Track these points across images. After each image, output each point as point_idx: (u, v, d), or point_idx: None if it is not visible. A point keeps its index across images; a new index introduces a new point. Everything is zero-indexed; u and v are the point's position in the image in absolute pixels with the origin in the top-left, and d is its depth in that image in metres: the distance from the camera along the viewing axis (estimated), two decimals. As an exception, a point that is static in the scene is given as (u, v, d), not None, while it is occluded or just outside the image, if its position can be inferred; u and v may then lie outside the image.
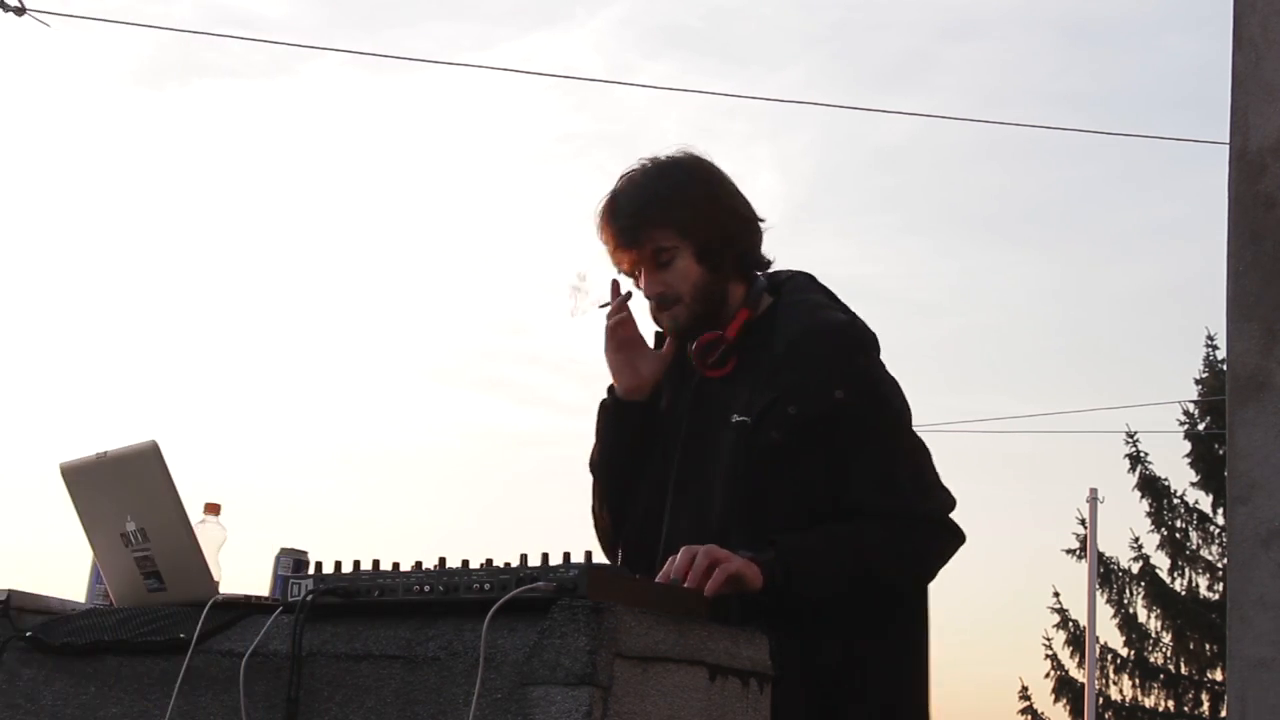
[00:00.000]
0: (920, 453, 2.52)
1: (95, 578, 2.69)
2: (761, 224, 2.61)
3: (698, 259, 2.52)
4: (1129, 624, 21.01)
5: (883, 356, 2.56)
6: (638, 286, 2.60)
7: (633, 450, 2.63)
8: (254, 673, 2.15)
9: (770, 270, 2.65)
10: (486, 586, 2.03)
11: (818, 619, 2.36)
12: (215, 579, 2.41)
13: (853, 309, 2.59)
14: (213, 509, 2.66)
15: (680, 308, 2.54)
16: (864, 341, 2.53)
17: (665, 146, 2.60)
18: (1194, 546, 20.98)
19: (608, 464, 2.67)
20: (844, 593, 2.38)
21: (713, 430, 2.52)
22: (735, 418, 2.48)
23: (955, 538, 2.50)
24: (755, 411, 2.46)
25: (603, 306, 2.63)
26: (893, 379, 2.54)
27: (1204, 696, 20.48)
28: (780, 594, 2.31)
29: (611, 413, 2.66)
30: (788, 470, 2.42)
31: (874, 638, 2.44)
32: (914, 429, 2.55)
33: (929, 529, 2.47)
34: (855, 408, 2.43)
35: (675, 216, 2.51)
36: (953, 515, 2.51)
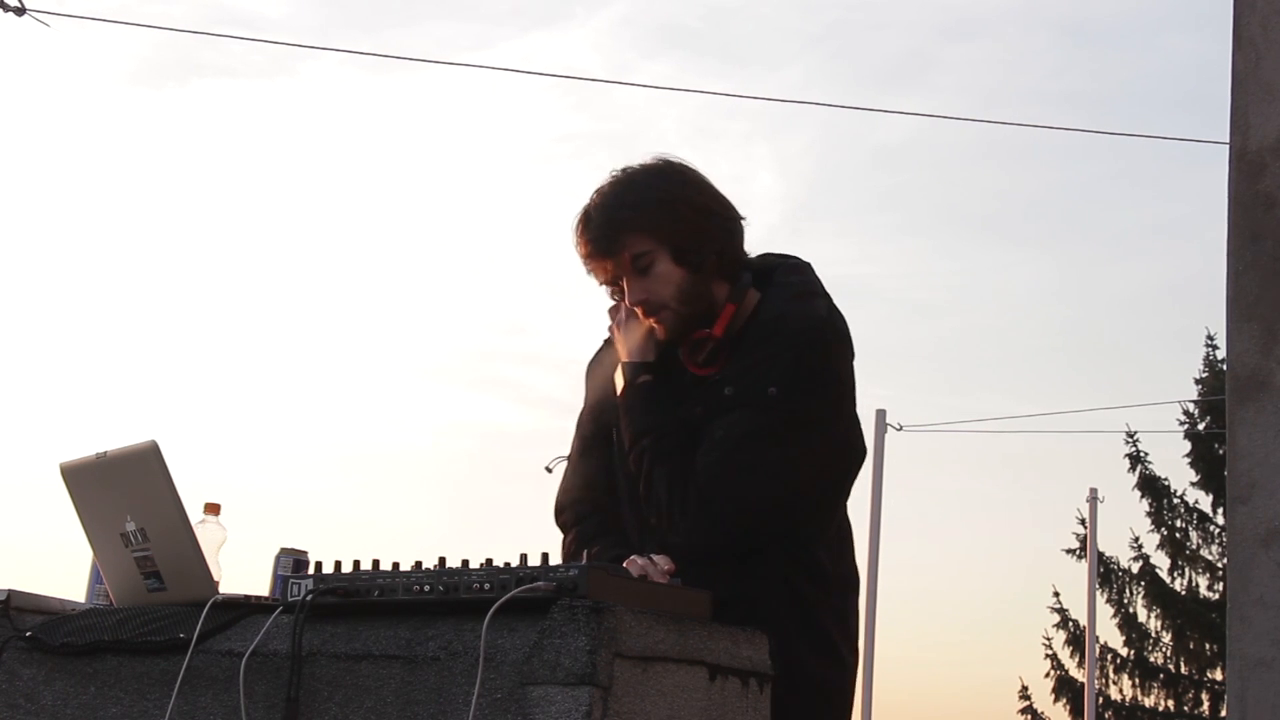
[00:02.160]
0: (787, 444, 2.44)
1: (95, 578, 2.69)
2: (742, 221, 2.61)
3: (676, 261, 2.52)
4: (1129, 624, 21.00)
5: (857, 357, 2.57)
6: (613, 294, 2.60)
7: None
8: (254, 673, 2.15)
9: (762, 253, 2.65)
10: (486, 586, 2.03)
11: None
12: (215, 579, 2.41)
13: (835, 303, 2.59)
14: (213, 509, 2.66)
15: (666, 313, 2.54)
16: (824, 341, 2.51)
17: (638, 156, 2.62)
18: (1194, 546, 20.97)
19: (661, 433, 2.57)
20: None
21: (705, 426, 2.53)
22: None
23: (736, 527, 2.46)
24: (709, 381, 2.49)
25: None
26: (836, 379, 2.51)
27: (1204, 696, 20.47)
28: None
29: (652, 385, 2.57)
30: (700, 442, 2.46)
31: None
32: (818, 437, 2.48)
33: (711, 511, 2.43)
34: (780, 404, 2.44)
35: (647, 221, 2.51)
36: (760, 512, 2.44)
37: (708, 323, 2.56)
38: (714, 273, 2.56)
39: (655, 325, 2.57)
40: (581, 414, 2.75)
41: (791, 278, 2.58)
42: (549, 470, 2.72)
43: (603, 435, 2.66)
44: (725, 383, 2.47)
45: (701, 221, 2.55)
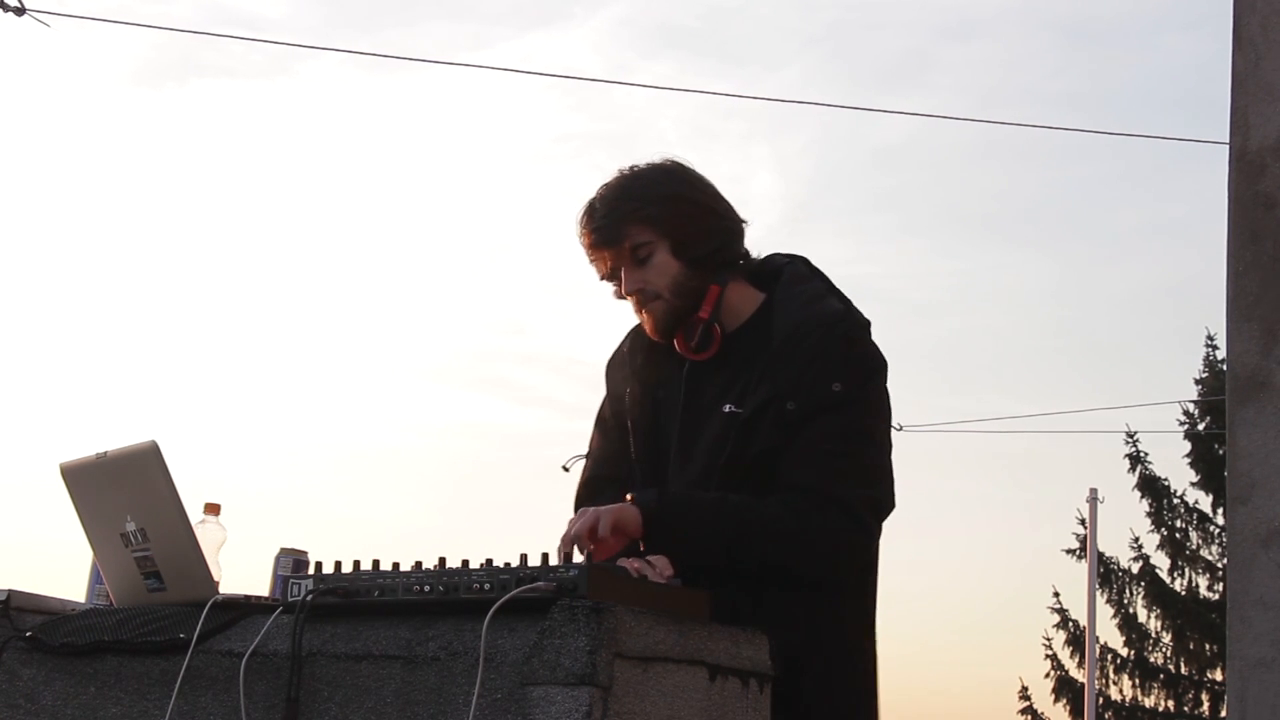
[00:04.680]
0: (873, 443, 2.51)
1: (95, 578, 2.69)
2: (743, 224, 2.65)
3: (674, 254, 2.56)
4: (1129, 624, 21.01)
5: (880, 351, 2.58)
6: (617, 292, 2.62)
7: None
8: (254, 673, 2.15)
9: (766, 255, 2.68)
10: (486, 586, 2.03)
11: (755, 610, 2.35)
12: (215, 579, 2.41)
13: (847, 297, 2.62)
14: (213, 509, 2.66)
15: (659, 303, 2.57)
16: (859, 331, 2.56)
17: (643, 156, 2.65)
18: (1194, 546, 20.98)
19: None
20: (720, 554, 2.37)
21: (705, 418, 2.56)
22: (727, 408, 2.52)
23: (862, 533, 2.44)
24: (751, 405, 2.49)
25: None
26: (883, 364, 2.56)
27: (1204, 696, 20.48)
28: (658, 539, 2.36)
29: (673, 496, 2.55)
30: (777, 464, 2.46)
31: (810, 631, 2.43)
32: (887, 422, 2.57)
33: (835, 514, 2.40)
34: (850, 398, 2.46)
35: (650, 213, 2.55)
36: (875, 515, 2.46)
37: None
38: (711, 270, 2.58)
39: (645, 317, 2.60)
40: (602, 411, 2.78)
41: (800, 287, 2.61)
42: (566, 469, 2.75)
43: (621, 430, 2.69)
44: (783, 399, 2.46)
45: (702, 219, 2.59)
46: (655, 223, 2.55)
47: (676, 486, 2.54)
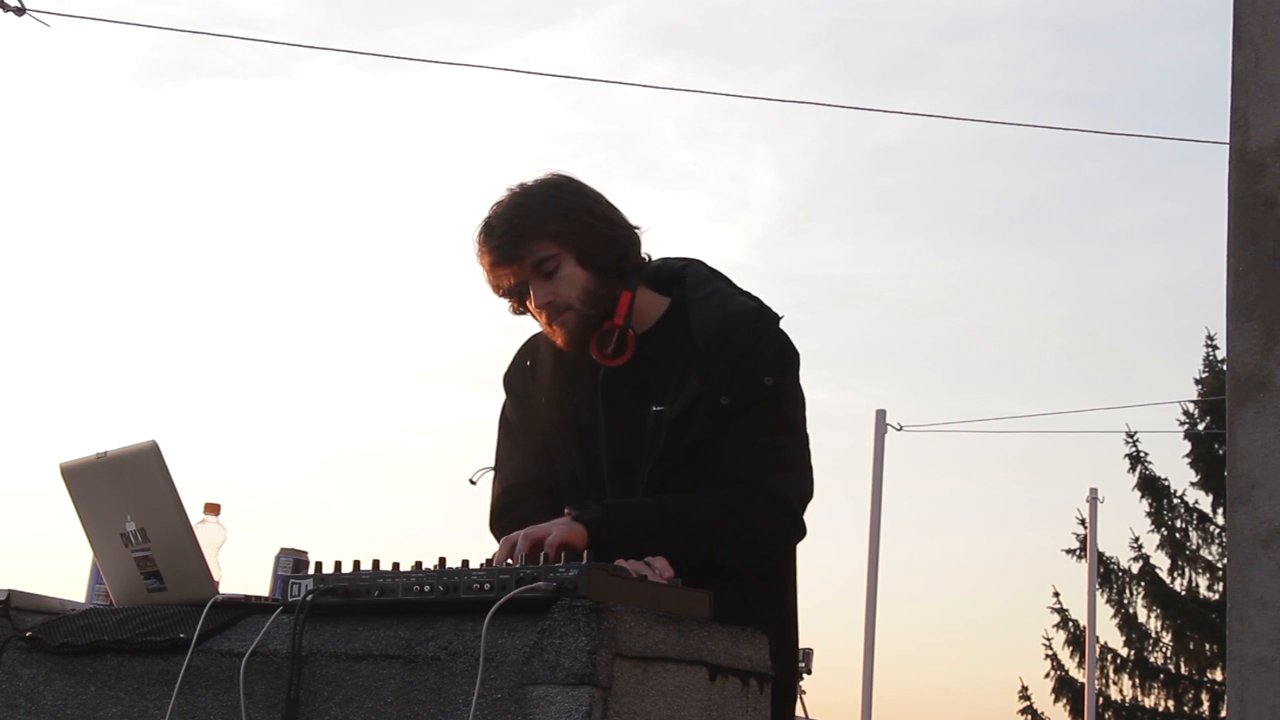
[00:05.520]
0: (799, 435, 2.62)
1: (95, 578, 2.69)
2: (638, 230, 2.68)
3: (581, 263, 2.58)
4: (1129, 624, 21.00)
5: (793, 344, 2.67)
6: (523, 308, 2.64)
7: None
8: (254, 673, 2.15)
9: (658, 259, 2.72)
10: (486, 586, 2.03)
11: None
12: (215, 579, 2.41)
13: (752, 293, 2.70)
14: (213, 509, 2.66)
15: (570, 314, 2.59)
16: (777, 325, 2.64)
17: (531, 172, 2.67)
18: (1194, 546, 20.97)
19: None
20: (669, 559, 2.40)
21: (631, 420, 2.59)
22: (654, 408, 2.56)
23: (794, 525, 2.56)
24: (681, 402, 2.53)
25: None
26: (798, 356, 2.65)
27: (1204, 696, 20.47)
28: (605, 552, 2.35)
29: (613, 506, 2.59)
30: (713, 457, 2.52)
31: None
32: (805, 413, 2.65)
33: (771, 510, 2.51)
34: (781, 390, 2.56)
35: (550, 227, 2.58)
36: (803, 506, 2.57)
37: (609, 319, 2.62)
38: (617, 277, 2.61)
39: (557, 329, 2.61)
40: (507, 418, 2.78)
41: (709, 287, 2.67)
42: (473, 483, 2.75)
43: (534, 437, 2.70)
44: (716, 394, 2.52)
45: (602, 228, 2.62)
46: (557, 236, 2.57)
47: (614, 496, 2.55)
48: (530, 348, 2.78)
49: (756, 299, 2.67)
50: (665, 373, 2.59)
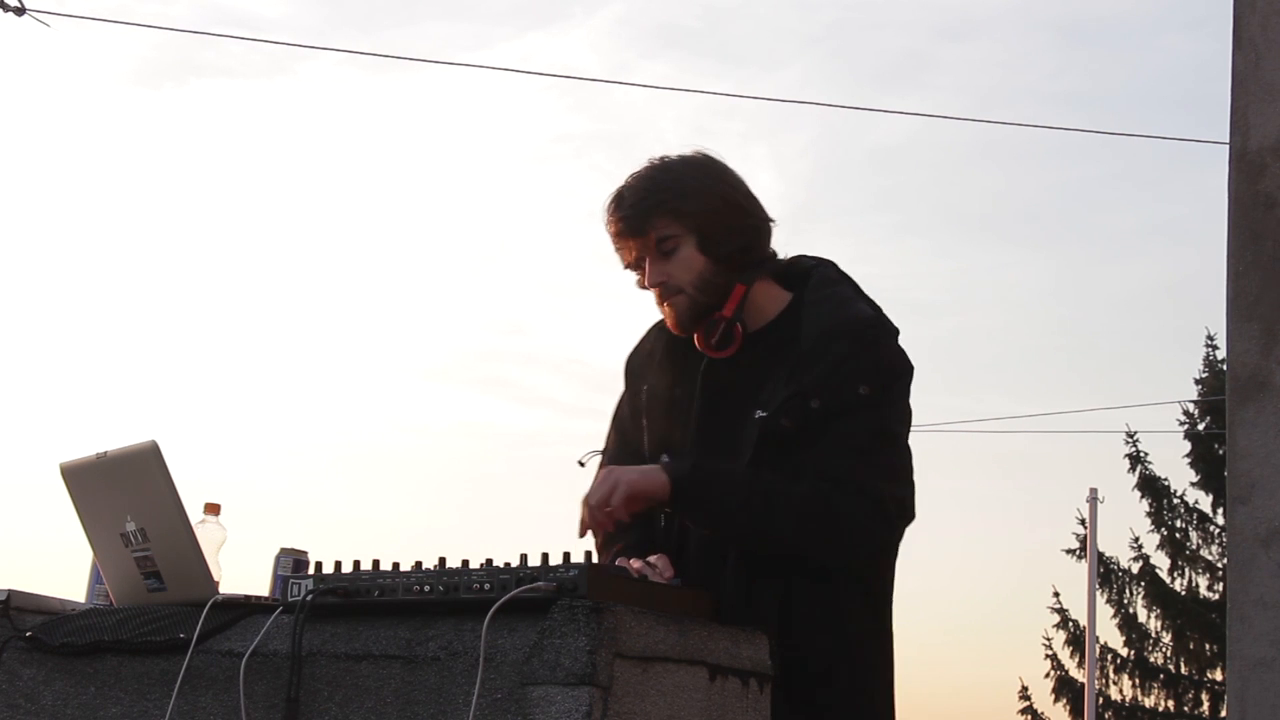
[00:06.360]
0: (897, 446, 2.51)
1: (95, 578, 2.68)
2: (771, 223, 2.62)
3: (700, 249, 2.53)
4: (1129, 624, 21.00)
5: (908, 357, 2.58)
6: (640, 282, 2.61)
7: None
8: (254, 673, 2.15)
9: (793, 256, 2.66)
10: (486, 586, 2.03)
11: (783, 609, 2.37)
12: (215, 579, 2.41)
13: (876, 304, 2.60)
14: (213, 509, 2.66)
15: (682, 298, 2.55)
16: (889, 337, 2.55)
17: (677, 147, 2.63)
18: (1194, 546, 20.97)
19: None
20: (745, 526, 2.37)
21: (732, 420, 2.52)
22: (758, 413, 2.48)
23: (885, 524, 2.44)
24: (774, 406, 2.46)
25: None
26: (910, 370, 2.55)
27: (1204, 696, 20.46)
28: (685, 508, 2.36)
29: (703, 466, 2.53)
30: (798, 455, 2.43)
31: (837, 629, 2.43)
32: (909, 428, 2.55)
33: (863, 503, 2.39)
34: (876, 400, 2.45)
35: (677, 206, 2.53)
36: (900, 513, 2.46)
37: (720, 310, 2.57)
38: (735, 267, 2.56)
39: (668, 310, 2.57)
40: (620, 410, 2.76)
41: (830, 290, 2.59)
42: (582, 464, 2.70)
43: (637, 429, 2.67)
44: (807, 397, 2.44)
45: (730, 215, 2.56)
46: (683, 216, 2.53)
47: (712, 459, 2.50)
48: (655, 329, 2.73)
49: (876, 308, 2.58)
50: (768, 373, 2.52)
